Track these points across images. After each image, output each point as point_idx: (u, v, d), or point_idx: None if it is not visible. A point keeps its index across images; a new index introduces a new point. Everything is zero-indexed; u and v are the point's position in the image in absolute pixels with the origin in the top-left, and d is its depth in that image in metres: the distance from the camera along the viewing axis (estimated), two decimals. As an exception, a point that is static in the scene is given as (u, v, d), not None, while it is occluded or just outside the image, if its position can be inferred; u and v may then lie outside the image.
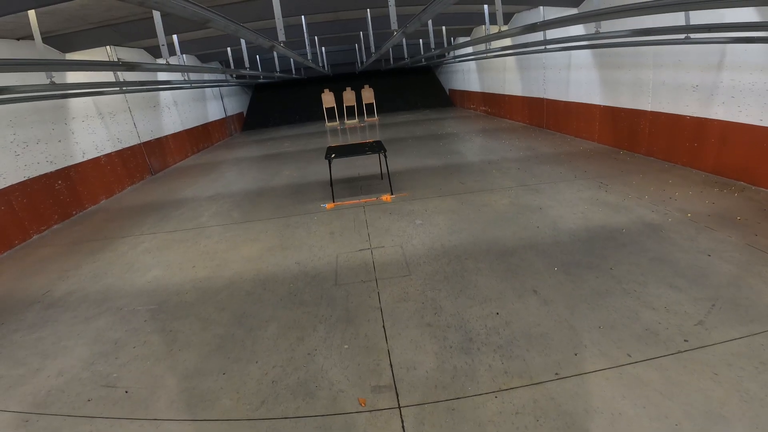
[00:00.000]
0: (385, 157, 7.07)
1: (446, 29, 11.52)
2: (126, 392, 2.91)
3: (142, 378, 3.05)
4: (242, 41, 8.84)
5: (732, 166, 5.95)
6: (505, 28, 6.63)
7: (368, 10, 8.03)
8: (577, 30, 8.30)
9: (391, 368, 2.88)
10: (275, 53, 11.28)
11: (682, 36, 5.50)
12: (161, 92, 12.17)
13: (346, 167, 8.94)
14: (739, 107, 5.74)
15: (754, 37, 4.82)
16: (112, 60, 8.88)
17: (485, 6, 7.77)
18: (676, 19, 5.72)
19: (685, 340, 2.83)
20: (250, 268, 4.72)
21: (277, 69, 13.53)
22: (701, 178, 6.13)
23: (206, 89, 16.09)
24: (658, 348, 2.79)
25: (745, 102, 5.65)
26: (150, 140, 11.21)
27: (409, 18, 4.97)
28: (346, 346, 3.18)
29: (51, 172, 7.35)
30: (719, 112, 6.08)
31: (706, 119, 6.31)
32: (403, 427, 2.40)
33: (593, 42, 7.54)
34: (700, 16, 5.54)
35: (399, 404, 2.57)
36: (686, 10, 3.48)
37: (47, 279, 4.99)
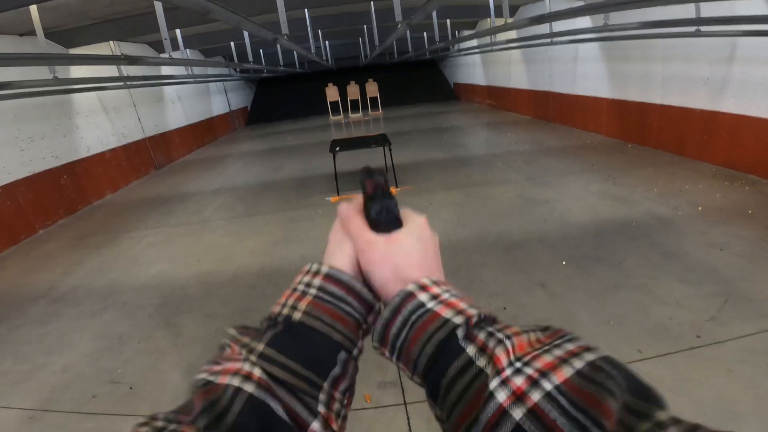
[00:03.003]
0: (390, 150, 7.02)
1: (451, 22, 11.39)
2: (130, 388, 2.90)
3: (146, 373, 3.03)
4: (246, 35, 8.77)
5: (743, 160, 5.85)
6: (510, 20, 6.51)
7: (372, 2, 7.93)
8: (584, 22, 8.18)
9: (396, 364, 2.84)
10: (279, 47, 11.21)
11: (693, 29, 5.39)
12: (165, 87, 12.13)
13: (350, 161, 8.88)
14: (751, 100, 5.64)
15: (765, 30, 4.71)
16: (115, 55, 8.85)
17: (491, -2, 7.65)
18: (687, 11, 5.61)
19: (697, 336, 2.78)
20: (254, 262, 4.70)
21: (281, 63, 13.42)
22: (711, 171, 6.03)
23: (210, 84, 16.04)
24: (670, 344, 2.74)
25: (756, 95, 5.54)
26: (154, 135, 11.19)
27: (413, 10, 4.90)
28: (351, 342, 3.14)
29: (56, 167, 7.35)
30: (730, 105, 5.97)
31: (716, 112, 6.20)
32: (408, 423, 2.37)
33: (601, 35, 7.42)
34: (710, 9, 5.43)
35: (405, 400, 2.53)
36: (696, 1, 3.41)
37: (53, 274, 4.99)
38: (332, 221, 0.55)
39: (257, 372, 0.40)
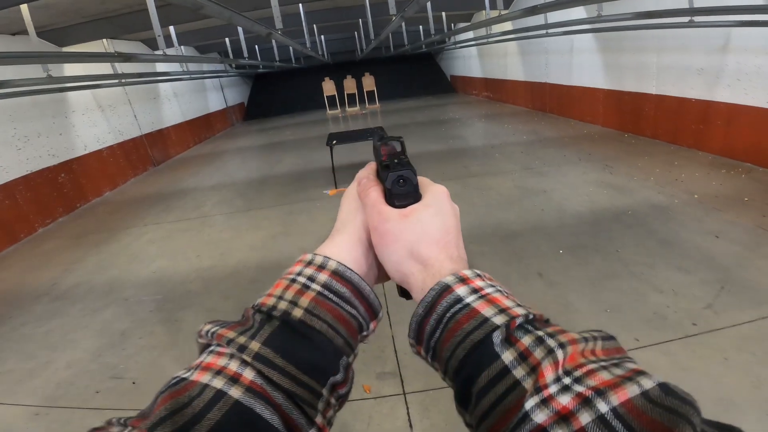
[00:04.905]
0: (388, 144, 7.00)
1: (446, 15, 11.34)
2: (133, 383, 2.93)
3: (149, 369, 3.06)
4: (240, 31, 8.74)
5: (739, 148, 5.87)
6: (505, 12, 6.46)
7: (366, -5, 7.89)
8: (579, 13, 8.16)
9: (395, 355, 2.87)
10: (274, 42, 11.16)
11: (686, 19, 5.39)
12: (161, 84, 12.09)
13: (348, 154, 8.89)
14: (746, 90, 5.65)
15: (759, 21, 4.71)
16: (108, 52, 8.80)
17: (485, -11, 7.60)
18: (680, 1, 5.60)
19: (693, 324, 2.81)
20: (254, 256, 4.72)
21: (277, 58, 13.38)
22: (708, 160, 6.05)
23: (206, 80, 15.98)
24: (666, 332, 2.77)
25: (751, 85, 5.55)
26: (151, 132, 11.18)
27: (407, 3, 4.89)
28: (351, 334, 3.17)
29: (54, 166, 7.35)
30: (725, 94, 5.98)
31: (711, 102, 6.21)
32: (408, 413, 2.40)
33: (595, 26, 7.40)
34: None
35: (404, 391, 2.57)
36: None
37: (54, 272, 5.00)
38: (330, 215, 0.54)
39: (249, 374, 0.35)
